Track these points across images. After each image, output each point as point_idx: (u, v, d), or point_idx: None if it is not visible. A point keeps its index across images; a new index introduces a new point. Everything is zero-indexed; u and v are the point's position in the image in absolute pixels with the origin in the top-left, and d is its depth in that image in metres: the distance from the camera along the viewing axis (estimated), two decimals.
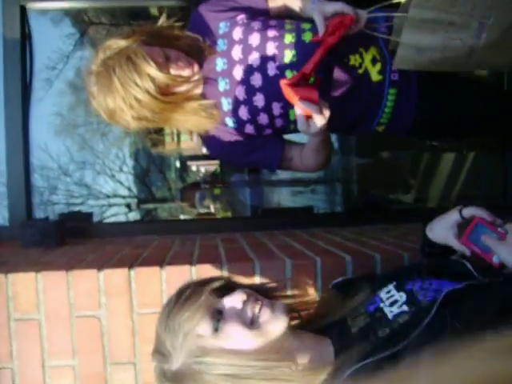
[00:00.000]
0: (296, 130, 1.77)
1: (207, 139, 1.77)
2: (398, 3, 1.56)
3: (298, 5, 1.73)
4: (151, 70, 1.51)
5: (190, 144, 6.73)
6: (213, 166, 7.25)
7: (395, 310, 1.12)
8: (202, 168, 7.55)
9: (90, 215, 4.20)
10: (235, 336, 1.06)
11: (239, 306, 1.09)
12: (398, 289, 1.17)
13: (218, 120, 1.70)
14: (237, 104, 1.67)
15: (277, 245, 1.91)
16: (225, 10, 1.74)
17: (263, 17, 1.74)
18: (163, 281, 1.62)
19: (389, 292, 1.18)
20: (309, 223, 2.45)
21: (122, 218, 6.04)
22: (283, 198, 6.04)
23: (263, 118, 1.69)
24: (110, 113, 1.58)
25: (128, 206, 6.09)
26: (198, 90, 1.70)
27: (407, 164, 4.01)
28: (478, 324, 0.94)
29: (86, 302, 1.61)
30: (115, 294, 1.61)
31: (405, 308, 1.11)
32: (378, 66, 1.68)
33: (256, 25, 1.68)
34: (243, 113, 1.68)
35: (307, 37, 1.65)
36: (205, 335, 1.06)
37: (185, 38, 1.70)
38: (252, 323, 1.08)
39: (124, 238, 2.36)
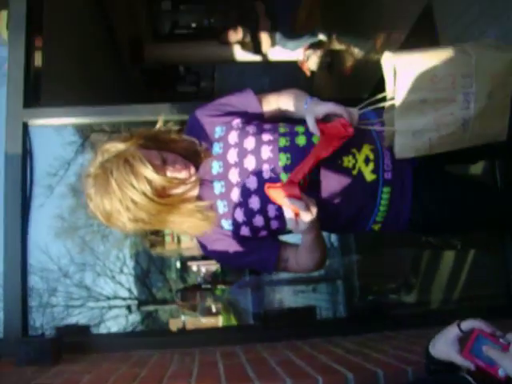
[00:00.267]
0: (291, 231, 1.79)
1: (202, 240, 1.77)
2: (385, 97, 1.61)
3: (291, 106, 1.78)
4: (148, 172, 1.53)
5: (191, 244, 6.74)
6: (213, 266, 7.24)
7: None
8: (202, 268, 7.53)
9: (87, 327, 4.14)
10: None
11: None
12: None
13: (215, 222, 1.71)
14: (233, 206, 1.69)
15: (278, 361, 1.86)
16: (220, 115, 1.78)
17: (258, 120, 1.79)
18: None
19: None
20: (311, 334, 2.40)
21: (122, 321, 5.96)
22: (284, 297, 5.98)
23: (259, 221, 1.70)
24: (107, 215, 1.58)
25: (128, 307, 6.02)
26: (194, 192, 1.72)
27: (408, 265, 4.00)
28: None
29: None
30: None
31: None
32: (371, 165, 1.69)
33: (251, 129, 1.72)
34: (239, 215, 1.69)
35: (301, 140, 1.69)
36: None
37: (181, 142, 1.74)
38: None
39: (122, 353, 2.30)
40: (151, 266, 6.19)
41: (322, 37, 6.65)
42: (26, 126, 2.59)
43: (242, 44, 6.77)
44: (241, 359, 1.97)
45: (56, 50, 3.71)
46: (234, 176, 1.68)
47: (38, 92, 2.79)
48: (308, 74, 7.14)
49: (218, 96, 1.87)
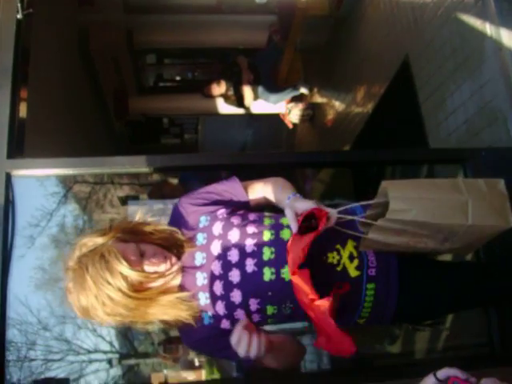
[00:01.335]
0: (273, 323, 1.78)
1: (184, 331, 1.74)
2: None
3: (275, 198, 1.78)
4: (123, 268, 1.53)
5: None
6: None
7: None
8: None
9: (66, 381, 4.05)
10: None
11: None
12: None
13: (197, 311, 1.68)
14: (214, 299, 1.67)
15: None
16: (206, 204, 1.78)
17: (243, 210, 1.79)
18: None
19: None
20: None
21: (102, 375, 5.82)
22: None
23: (240, 314, 1.66)
24: (84, 310, 1.58)
25: (109, 361, 5.89)
26: (177, 282, 1.71)
27: None
28: None
29: None
30: None
31: None
32: (356, 261, 1.68)
33: (236, 220, 1.72)
34: (220, 308, 1.66)
35: (286, 234, 1.68)
36: None
37: (161, 233, 1.72)
38: None
39: None
40: None
41: (303, 90, 6.80)
42: (9, 177, 2.59)
43: (225, 97, 6.89)
44: None
45: (41, 102, 3.75)
46: (216, 268, 1.67)
47: (21, 143, 2.80)
48: (290, 126, 7.26)
49: (201, 147, 1.89)
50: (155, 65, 9.57)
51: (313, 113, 6.90)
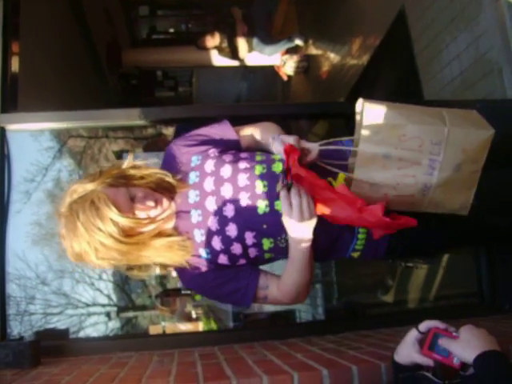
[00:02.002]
0: (270, 259, 1.80)
1: (180, 271, 1.76)
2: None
3: (263, 139, 1.82)
4: (113, 214, 1.54)
5: None
6: None
7: None
8: None
9: (66, 331, 4.13)
10: None
11: None
12: None
13: (192, 252, 1.70)
14: (210, 235, 1.69)
15: (255, 360, 1.89)
16: (197, 144, 1.80)
17: (234, 150, 1.81)
18: None
19: None
20: (288, 334, 2.43)
21: (101, 328, 5.92)
22: None
23: (236, 248, 1.69)
24: (77, 256, 1.60)
25: (107, 314, 5.99)
26: (170, 225, 1.73)
27: (385, 267, 4.05)
28: None
29: None
30: None
31: None
32: None
33: (227, 157, 1.74)
34: (216, 243, 1.69)
35: (277, 168, 1.70)
36: None
37: (152, 176, 1.72)
38: None
39: (101, 356, 2.32)
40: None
41: (298, 42, 6.72)
42: (3, 131, 2.60)
43: (220, 49, 6.81)
44: (218, 359, 2.00)
45: (33, 55, 3.71)
46: (210, 204, 1.69)
47: (15, 97, 2.79)
48: (285, 78, 7.20)
49: (196, 100, 1.89)
50: (148, 16, 9.42)
51: (308, 65, 6.84)
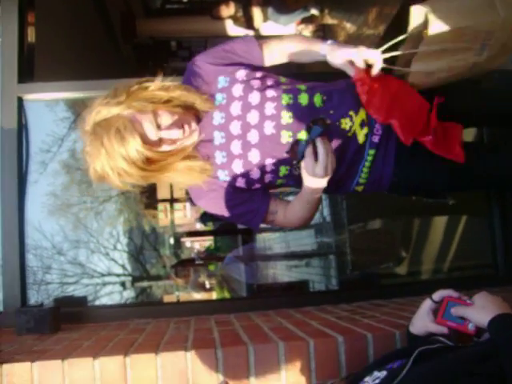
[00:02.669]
0: (280, 186, 1.85)
1: (195, 190, 1.79)
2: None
3: (306, 48, 1.80)
4: (138, 146, 1.54)
5: (184, 220, 6.78)
6: (207, 241, 7.28)
7: (377, 381, 1.19)
8: (196, 244, 7.57)
9: (84, 299, 4.19)
10: None
11: None
12: (380, 370, 1.24)
13: (211, 174, 1.73)
14: (231, 158, 1.72)
15: (271, 327, 1.92)
16: (223, 64, 1.79)
17: (261, 72, 1.81)
18: (159, 367, 1.62)
19: (372, 375, 1.24)
20: (302, 303, 2.46)
21: (116, 297, 6.00)
22: (278, 272, 6.04)
23: (255, 173, 1.74)
24: (99, 177, 1.61)
25: (122, 284, 6.06)
26: (192, 145, 1.73)
27: (398, 238, 4.05)
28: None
29: None
30: (111, 382, 1.61)
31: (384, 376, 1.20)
32: (366, 129, 1.75)
33: (255, 84, 1.75)
34: (237, 166, 1.72)
35: (303, 100, 1.73)
36: None
37: (178, 98, 1.70)
38: None
39: (119, 322, 2.36)
40: (145, 242, 6.23)
41: (314, 11, 6.63)
42: (20, 101, 2.61)
43: (234, 19, 6.74)
44: (234, 326, 2.03)
45: (48, 26, 3.70)
46: (235, 128, 1.71)
47: (31, 67, 2.80)
48: None
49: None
50: None
51: (323, 35, 6.76)
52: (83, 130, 1.63)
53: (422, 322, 1.41)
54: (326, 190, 1.74)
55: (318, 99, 1.74)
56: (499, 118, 1.97)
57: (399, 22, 4.59)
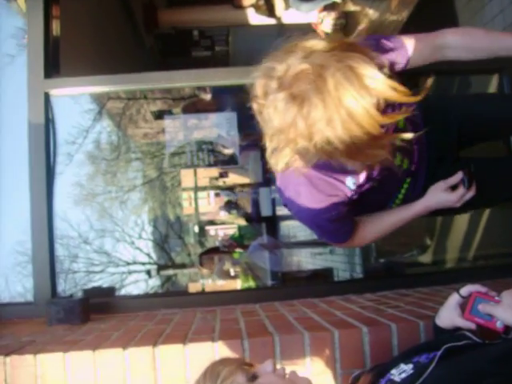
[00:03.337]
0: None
1: (314, 192, 1.57)
2: None
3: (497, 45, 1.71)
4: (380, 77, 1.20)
5: (208, 209, 6.82)
6: (231, 229, 7.32)
7: (403, 375, 1.20)
8: (220, 232, 7.61)
9: (112, 289, 4.26)
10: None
11: (270, 368, 1.15)
12: (407, 363, 1.24)
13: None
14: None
15: (296, 317, 1.95)
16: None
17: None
18: (187, 357, 1.66)
19: (398, 368, 1.25)
20: (327, 292, 2.48)
21: (142, 286, 6.08)
22: (302, 259, 6.06)
23: (366, 187, 1.69)
24: (308, 126, 1.20)
25: (148, 272, 6.14)
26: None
27: (423, 227, 4.05)
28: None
29: (112, 381, 1.66)
30: (141, 373, 1.66)
31: (411, 372, 1.20)
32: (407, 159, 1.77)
33: None
34: (362, 178, 1.64)
35: None
36: (240, 382, 1.11)
37: None
38: (283, 377, 1.15)
39: (146, 312, 2.40)
40: (169, 231, 6.29)
41: None
42: (47, 96, 2.65)
43: (256, 7, 6.73)
44: (260, 316, 2.06)
45: (72, 19, 3.74)
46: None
47: (57, 61, 2.83)
48: (322, 36, 7.07)
49: (232, 60, 1.84)
50: None
51: (346, 22, 6.71)
52: (294, 69, 1.22)
53: (449, 316, 1.41)
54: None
55: None
56: None
57: (422, 8, 4.54)
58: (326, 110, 1.17)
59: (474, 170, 1.70)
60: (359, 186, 1.64)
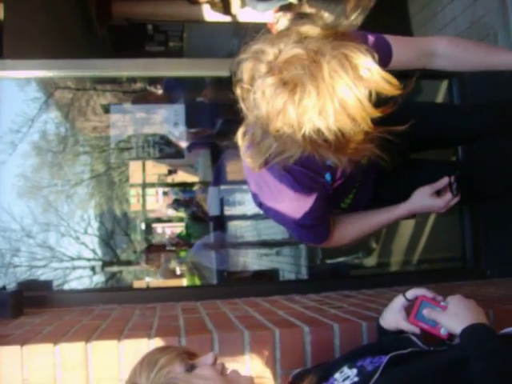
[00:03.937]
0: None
1: (297, 184, 1.50)
2: None
3: (483, 60, 1.70)
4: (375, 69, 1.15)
5: (156, 206, 6.73)
6: (178, 228, 7.25)
7: (347, 382, 1.17)
8: (167, 230, 7.53)
9: (49, 283, 4.13)
10: (207, 376, 1.09)
11: (210, 361, 1.12)
12: (350, 367, 1.21)
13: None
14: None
15: (237, 315, 1.91)
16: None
17: None
18: (121, 355, 1.59)
19: (342, 372, 1.21)
20: (270, 292, 2.45)
21: (85, 282, 5.94)
22: (248, 260, 6.04)
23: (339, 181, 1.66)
24: (299, 114, 1.13)
25: (92, 268, 6.01)
26: None
27: None
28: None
29: (41, 377, 1.57)
30: (72, 369, 1.58)
31: (355, 379, 1.16)
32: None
33: None
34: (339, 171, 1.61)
35: None
36: (177, 372, 1.08)
37: None
38: (222, 373, 1.12)
39: (84, 307, 2.32)
40: (116, 227, 6.18)
41: None
42: None
43: (212, 4, 6.69)
44: (201, 313, 2.01)
45: (18, 3, 3.61)
46: None
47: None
48: None
49: (186, 56, 1.82)
50: None
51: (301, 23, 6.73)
52: (292, 53, 1.15)
53: (394, 318, 1.39)
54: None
55: None
56: None
57: (377, 13, 4.59)
58: (319, 97, 1.10)
59: (459, 175, 1.69)
60: (335, 181, 1.60)
